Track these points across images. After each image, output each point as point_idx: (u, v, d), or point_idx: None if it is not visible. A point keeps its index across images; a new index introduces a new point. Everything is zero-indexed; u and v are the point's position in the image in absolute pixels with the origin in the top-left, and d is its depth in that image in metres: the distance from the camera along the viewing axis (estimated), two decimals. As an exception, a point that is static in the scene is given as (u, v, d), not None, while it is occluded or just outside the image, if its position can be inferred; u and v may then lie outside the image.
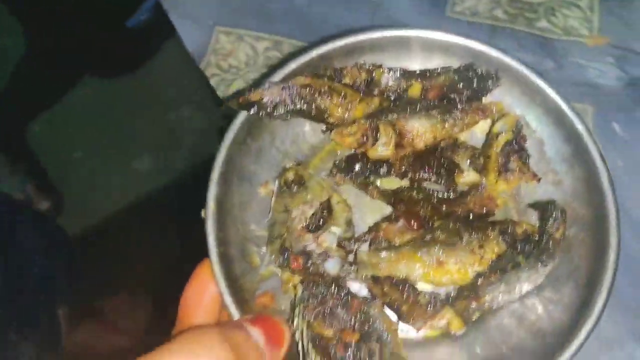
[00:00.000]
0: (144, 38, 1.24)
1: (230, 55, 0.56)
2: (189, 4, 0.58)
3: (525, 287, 0.33)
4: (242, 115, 0.35)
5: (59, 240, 0.78)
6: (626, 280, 0.40)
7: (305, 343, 0.31)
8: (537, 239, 0.33)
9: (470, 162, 0.35)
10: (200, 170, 0.36)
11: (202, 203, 0.34)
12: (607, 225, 0.32)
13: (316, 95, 0.35)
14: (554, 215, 0.33)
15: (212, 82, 0.54)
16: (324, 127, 0.37)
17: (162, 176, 1.18)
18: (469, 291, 0.32)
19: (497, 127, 0.35)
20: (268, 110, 0.34)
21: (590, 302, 0.31)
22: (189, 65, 0.57)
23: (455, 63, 0.37)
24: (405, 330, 0.34)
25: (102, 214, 1.17)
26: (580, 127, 0.34)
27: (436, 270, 0.32)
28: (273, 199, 0.36)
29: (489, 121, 0.36)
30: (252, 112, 0.34)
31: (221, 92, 0.53)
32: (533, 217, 0.35)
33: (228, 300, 0.32)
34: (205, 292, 0.32)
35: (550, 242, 0.33)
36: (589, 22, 0.56)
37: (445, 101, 0.36)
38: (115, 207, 1.17)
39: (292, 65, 0.36)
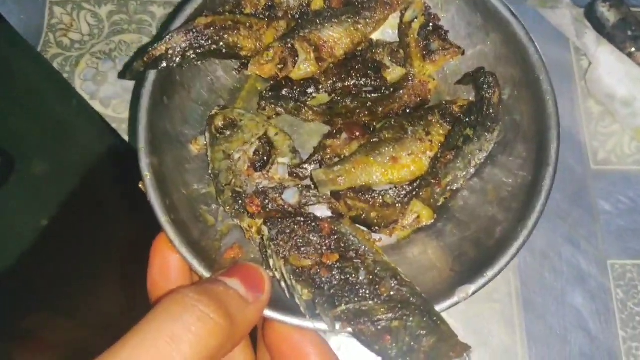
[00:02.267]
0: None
1: (71, 29, 0.50)
2: None
3: (479, 157, 0.34)
4: (151, 75, 0.33)
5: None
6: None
7: (288, 280, 0.30)
8: (477, 107, 0.34)
9: (392, 57, 0.35)
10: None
11: (137, 176, 0.32)
12: (536, 74, 0.33)
13: (222, 32, 0.34)
14: (486, 81, 0.34)
15: (56, 64, 0.48)
16: (236, 66, 0.37)
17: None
18: (429, 178, 0.33)
19: (408, 15, 0.36)
20: (177, 60, 0.33)
21: (543, 150, 0.32)
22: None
23: None
24: (379, 239, 0.35)
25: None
26: None
27: (393, 168, 0.33)
28: (209, 150, 0.34)
29: (397, 15, 0.37)
30: (161, 67, 0.33)
31: (67, 73, 0.48)
32: (464, 94, 0.36)
33: (195, 263, 0.30)
34: (170, 263, 0.31)
35: (491, 107, 0.34)
36: None
37: (349, 3, 0.36)
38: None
39: (188, 10, 0.34)
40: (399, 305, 0.29)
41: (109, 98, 0.47)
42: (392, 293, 0.30)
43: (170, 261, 0.31)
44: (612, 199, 0.45)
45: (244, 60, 0.35)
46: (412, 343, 0.28)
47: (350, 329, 0.29)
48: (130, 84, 0.46)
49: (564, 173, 0.45)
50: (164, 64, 0.33)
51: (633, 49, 0.46)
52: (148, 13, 0.49)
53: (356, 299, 0.29)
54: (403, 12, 0.36)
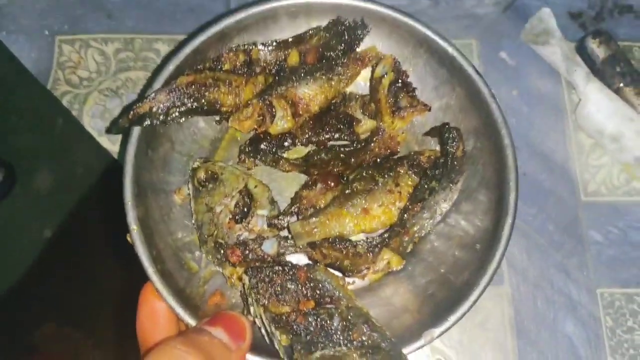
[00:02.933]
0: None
1: (79, 67, 0.52)
2: (18, 16, 0.53)
3: (444, 206, 0.37)
4: (136, 131, 0.35)
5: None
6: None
7: (267, 326, 0.33)
8: (442, 161, 0.37)
9: (363, 111, 0.38)
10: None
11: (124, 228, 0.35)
12: (497, 128, 0.36)
13: (203, 89, 0.36)
14: (450, 136, 0.37)
15: (65, 101, 0.51)
16: (217, 118, 0.39)
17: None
18: (398, 228, 0.36)
19: (378, 71, 0.39)
20: (161, 118, 0.35)
21: (503, 199, 0.35)
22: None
23: (323, 22, 0.39)
24: (352, 282, 0.37)
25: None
26: (449, 48, 0.38)
27: (364, 219, 0.35)
28: (192, 201, 0.37)
29: (369, 68, 0.40)
30: (145, 124, 0.35)
31: (76, 110, 0.50)
32: (432, 144, 0.39)
33: (181, 312, 0.33)
34: (157, 312, 0.33)
35: (455, 161, 0.37)
36: None
37: (324, 60, 0.39)
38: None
39: (170, 67, 0.37)
40: (370, 351, 0.32)
41: (117, 135, 0.49)
42: (363, 338, 0.33)
43: (157, 309, 0.34)
44: (602, 229, 0.48)
45: (224, 115, 0.38)
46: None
47: (324, 375, 0.32)
48: None
49: (556, 204, 0.48)
50: (148, 122, 0.35)
51: (621, 84, 0.49)
52: (153, 50, 0.52)
53: (331, 345, 0.32)
54: (374, 67, 0.39)
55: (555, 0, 0.54)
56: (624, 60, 0.49)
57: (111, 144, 0.49)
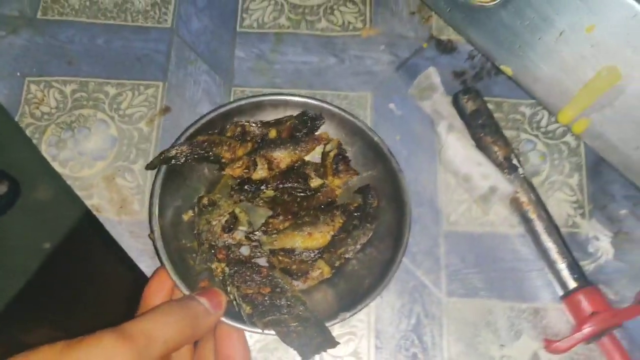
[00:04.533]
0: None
1: (42, 103, 0.65)
2: None
3: (363, 240, 0.58)
4: (164, 168, 0.57)
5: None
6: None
7: (237, 300, 0.53)
8: (363, 209, 0.59)
9: (315, 172, 0.60)
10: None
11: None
12: (403, 197, 0.57)
13: (212, 146, 0.58)
14: (370, 193, 0.59)
15: (28, 131, 0.63)
16: (216, 167, 0.61)
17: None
18: (330, 247, 0.57)
19: (327, 147, 0.60)
20: (181, 160, 0.57)
21: (399, 241, 0.56)
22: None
23: (295, 112, 0.61)
24: (296, 285, 0.58)
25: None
26: (375, 137, 0.59)
27: (309, 240, 0.56)
28: (196, 218, 0.58)
29: (322, 145, 0.62)
30: (170, 163, 0.57)
31: (36, 140, 0.63)
32: (359, 198, 0.61)
33: (181, 287, 0.53)
34: (165, 283, 0.52)
35: (371, 209, 0.58)
36: (362, 16, 0.71)
37: (293, 137, 0.61)
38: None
39: (191, 130, 0.58)
40: (303, 319, 0.53)
41: (67, 160, 0.63)
42: (300, 313, 0.53)
43: (165, 283, 0.53)
44: (459, 254, 0.62)
45: (223, 164, 0.59)
46: (308, 341, 0.52)
47: (273, 331, 0.52)
48: (81, 152, 0.64)
49: (421, 231, 0.62)
50: (173, 162, 0.57)
51: (482, 134, 0.63)
52: (103, 92, 0.66)
53: (277, 314, 0.53)
54: (325, 145, 0.61)
55: (442, 61, 0.68)
56: (486, 114, 0.63)
57: (61, 167, 0.63)
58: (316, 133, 0.61)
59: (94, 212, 0.62)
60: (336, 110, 0.60)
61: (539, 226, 0.61)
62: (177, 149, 0.57)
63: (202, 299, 0.46)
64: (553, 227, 0.61)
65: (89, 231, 1.36)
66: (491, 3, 0.57)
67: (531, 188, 0.62)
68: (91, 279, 1.34)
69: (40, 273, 1.37)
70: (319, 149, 0.61)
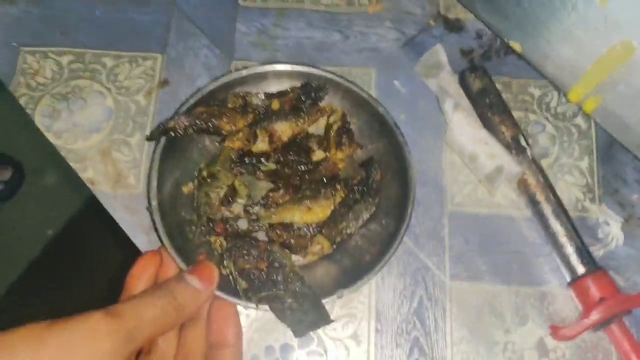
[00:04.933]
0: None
1: (38, 74, 0.65)
2: None
3: (365, 215, 0.57)
4: (163, 139, 0.56)
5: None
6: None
7: (234, 274, 0.52)
8: (365, 182, 0.57)
9: (318, 145, 0.59)
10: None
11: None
12: (408, 171, 0.56)
13: (211, 117, 0.57)
14: (373, 166, 0.58)
15: (22, 101, 0.63)
16: (218, 139, 0.60)
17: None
18: (330, 222, 0.56)
19: (331, 119, 0.59)
20: (180, 132, 0.56)
21: (402, 218, 0.55)
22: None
23: (298, 83, 0.60)
24: (296, 259, 0.57)
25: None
26: (380, 109, 0.58)
27: (308, 214, 0.55)
28: (195, 191, 0.57)
29: (325, 117, 0.61)
30: (169, 135, 0.56)
31: (30, 109, 0.63)
32: (363, 172, 0.60)
33: (178, 261, 0.52)
34: (148, 268, 0.50)
35: (374, 184, 0.57)
36: None
37: (296, 109, 0.60)
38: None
39: (191, 101, 0.57)
40: (299, 296, 0.51)
41: (61, 131, 0.63)
42: (297, 289, 0.52)
43: (147, 267, 0.51)
44: (463, 235, 0.61)
45: (223, 136, 0.58)
46: (302, 317, 0.50)
47: (267, 306, 0.51)
48: (75, 123, 0.63)
49: (425, 212, 0.61)
50: (172, 134, 0.56)
51: (489, 113, 0.62)
52: (100, 63, 0.65)
53: (273, 289, 0.51)
54: (328, 116, 0.60)
55: (450, 39, 0.68)
56: (494, 93, 0.62)
57: (55, 138, 0.63)
58: (320, 104, 0.60)
59: (88, 185, 0.61)
60: (341, 80, 0.59)
61: (547, 209, 0.60)
62: (176, 120, 0.56)
63: (192, 277, 0.46)
64: (561, 211, 0.60)
65: (91, 217, 1.36)
66: (502, -26, 0.56)
67: (539, 170, 0.61)
68: (93, 264, 1.34)
69: (43, 259, 1.38)
70: (322, 121, 0.60)
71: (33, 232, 1.43)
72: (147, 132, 0.63)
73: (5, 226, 1.46)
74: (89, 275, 1.35)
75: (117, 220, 0.60)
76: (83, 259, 1.39)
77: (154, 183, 0.54)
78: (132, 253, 0.57)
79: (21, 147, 1.49)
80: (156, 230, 0.53)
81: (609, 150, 0.65)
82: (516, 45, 0.62)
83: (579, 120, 0.66)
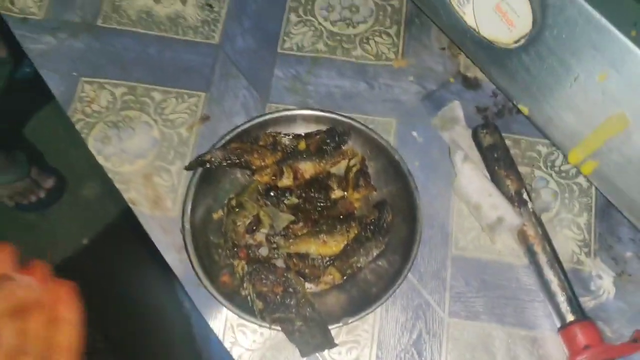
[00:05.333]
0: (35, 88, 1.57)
1: (94, 102, 0.72)
2: (56, 60, 0.75)
3: (375, 252, 0.63)
4: (200, 170, 0.64)
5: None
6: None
7: (252, 296, 0.59)
8: (377, 222, 0.64)
9: (337, 185, 0.66)
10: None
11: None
12: (416, 215, 0.63)
13: (244, 153, 0.64)
14: (386, 209, 0.64)
15: (78, 126, 0.71)
16: (248, 172, 0.67)
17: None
18: (342, 256, 0.63)
19: (351, 162, 0.67)
20: (215, 164, 0.64)
21: (408, 256, 0.61)
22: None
23: (324, 127, 0.68)
24: (309, 287, 0.63)
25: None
26: (396, 156, 0.65)
27: (323, 247, 0.62)
28: (224, 218, 0.64)
29: (346, 160, 0.68)
30: (205, 167, 0.63)
31: (84, 134, 0.71)
32: (376, 212, 0.66)
33: (204, 280, 0.59)
34: None
35: (384, 224, 0.64)
36: (395, 47, 0.77)
37: (320, 150, 0.67)
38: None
39: (227, 137, 0.65)
40: (309, 320, 0.58)
41: (110, 155, 0.70)
42: (307, 314, 0.59)
43: None
44: (464, 277, 0.66)
45: (253, 171, 0.66)
46: (310, 340, 0.57)
47: (279, 327, 0.57)
48: (123, 149, 0.71)
49: (430, 252, 0.67)
50: (208, 165, 0.64)
51: (496, 167, 0.68)
52: (149, 97, 0.73)
53: (286, 312, 0.58)
54: (349, 159, 0.67)
55: (467, 96, 0.74)
56: (502, 149, 0.69)
57: (105, 161, 0.70)
58: (342, 148, 0.67)
59: (130, 205, 0.68)
60: (363, 128, 0.66)
61: (543, 259, 0.66)
62: (212, 154, 0.63)
63: (22, 276, 0.45)
64: (556, 262, 0.66)
65: (124, 231, 1.45)
66: (513, 46, 0.63)
67: (539, 223, 0.67)
68: (122, 274, 1.42)
69: (76, 265, 1.46)
70: (343, 163, 0.67)
71: (69, 239, 1.53)
72: (187, 162, 0.70)
73: (44, 231, 1.55)
74: (117, 284, 1.43)
75: (153, 239, 0.67)
76: (113, 269, 1.47)
77: (189, 208, 0.62)
78: (160, 267, 0.65)
79: (65, 160, 1.59)
80: (187, 250, 0.61)
81: (606, 209, 0.71)
82: (524, 108, 0.69)
83: (581, 179, 0.72)
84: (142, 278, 1.35)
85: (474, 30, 0.66)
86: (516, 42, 0.63)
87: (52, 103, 1.56)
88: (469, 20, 0.66)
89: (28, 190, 1.52)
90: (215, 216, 0.65)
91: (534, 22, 0.60)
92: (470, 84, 0.77)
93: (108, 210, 1.51)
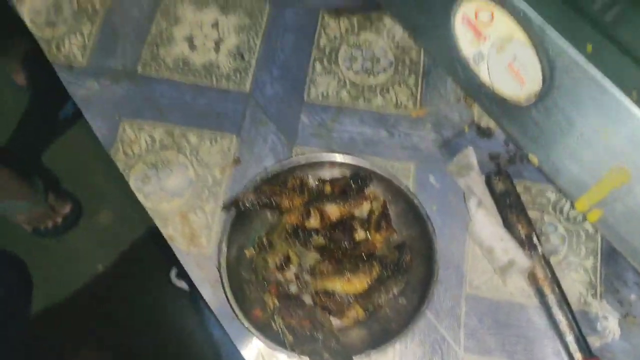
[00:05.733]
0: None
1: (134, 143, 0.78)
2: (99, 104, 0.81)
3: (395, 290, 0.69)
4: (234, 210, 0.70)
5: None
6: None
7: (282, 329, 0.65)
8: (397, 263, 0.70)
9: (361, 227, 0.72)
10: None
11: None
12: (433, 257, 0.68)
13: (273, 195, 0.70)
14: (404, 250, 0.70)
15: (119, 165, 0.77)
16: (278, 213, 0.73)
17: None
18: (365, 294, 0.68)
19: (374, 206, 0.73)
20: (247, 206, 0.70)
21: (426, 294, 0.67)
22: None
23: (348, 172, 0.74)
24: (334, 322, 0.69)
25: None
26: (415, 201, 0.71)
27: (347, 284, 0.68)
28: (255, 255, 0.70)
29: (369, 202, 0.74)
30: (238, 208, 0.69)
31: (125, 173, 0.76)
32: (396, 253, 0.72)
33: (237, 312, 0.65)
34: None
35: (404, 264, 0.70)
36: (413, 97, 0.82)
37: (344, 193, 0.73)
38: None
39: (258, 180, 0.71)
40: (334, 352, 0.63)
41: (150, 194, 0.76)
42: (332, 346, 0.64)
43: None
44: (477, 315, 0.71)
45: (282, 211, 0.72)
46: (335, 371, 0.63)
47: (308, 358, 0.63)
48: (162, 188, 0.77)
49: (445, 292, 0.71)
50: (241, 206, 0.70)
51: (508, 213, 0.73)
52: (186, 139, 0.79)
53: (313, 345, 0.64)
54: (372, 203, 0.73)
55: (481, 144, 0.80)
56: (514, 195, 0.74)
57: (145, 199, 0.76)
58: (365, 192, 0.73)
59: (168, 241, 0.74)
60: (384, 174, 0.72)
61: (552, 301, 0.71)
62: (246, 196, 0.69)
63: None
64: (565, 303, 0.71)
65: (139, 257, 1.51)
66: (524, 102, 0.69)
67: (548, 266, 0.73)
68: (136, 301, 1.47)
69: (91, 290, 1.52)
70: (366, 205, 0.73)
71: (84, 265, 1.58)
72: (220, 201, 0.76)
73: (60, 257, 1.61)
74: (131, 311, 1.48)
75: (189, 273, 0.73)
76: (127, 295, 1.52)
77: (225, 247, 0.68)
78: (184, 295, 0.70)
79: (81, 185, 1.66)
80: (223, 286, 0.66)
81: (612, 253, 0.76)
82: (533, 158, 0.74)
83: (588, 225, 0.77)
84: (165, 305, 1.40)
85: (488, 86, 0.73)
86: (527, 98, 0.69)
87: (69, 131, 1.66)
88: (484, 77, 0.73)
89: (45, 216, 1.57)
90: (247, 253, 0.71)
91: (544, 81, 0.66)
92: (484, 132, 0.83)
93: (122, 238, 1.57)
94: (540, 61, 0.65)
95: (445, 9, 0.73)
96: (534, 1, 0.64)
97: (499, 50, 0.70)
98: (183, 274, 0.88)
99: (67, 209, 1.60)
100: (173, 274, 0.98)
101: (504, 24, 0.68)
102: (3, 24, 1.61)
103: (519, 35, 0.67)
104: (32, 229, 1.58)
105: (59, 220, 1.59)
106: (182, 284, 0.94)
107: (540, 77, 0.66)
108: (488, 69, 0.72)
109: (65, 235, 1.61)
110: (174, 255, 0.74)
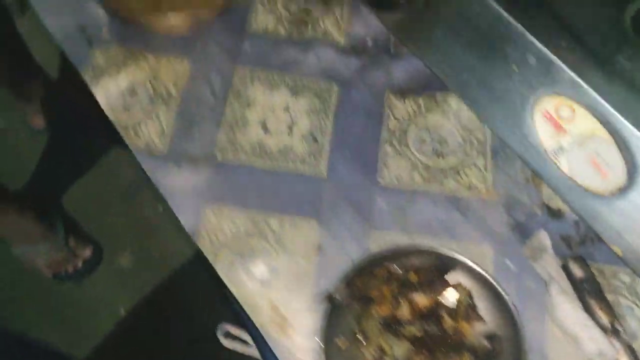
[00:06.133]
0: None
1: (218, 229, 0.81)
2: (182, 190, 0.85)
3: None
4: (329, 305, 0.73)
5: None
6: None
7: None
8: (489, 353, 0.73)
9: (449, 316, 0.75)
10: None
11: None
12: (519, 344, 0.72)
13: (365, 287, 0.74)
14: (495, 339, 0.73)
15: (204, 250, 0.80)
16: (368, 303, 0.76)
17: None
18: (458, 383, 0.71)
19: (461, 295, 0.76)
20: (342, 299, 0.73)
21: None
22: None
23: (431, 259, 0.77)
24: None
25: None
26: (499, 288, 0.74)
27: None
28: (349, 346, 0.73)
29: (454, 290, 0.77)
30: (333, 302, 0.73)
31: (211, 260, 0.79)
32: (485, 342, 0.75)
33: None
34: None
35: (495, 354, 0.72)
36: (484, 179, 0.85)
37: (429, 282, 0.76)
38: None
39: (349, 274, 0.75)
40: None
41: (236, 280, 0.79)
42: None
43: None
44: None
45: (371, 301, 0.75)
46: None
47: None
48: (246, 274, 0.80)
49: None
50: (335, 301, 0.73)
51: (588, 298, 0.76)
52: (268, 225, 0.82)
53: None
54: (458, 292, 0.76)
55: (552, 225, 0.82)
56: (593, 281, 0.76)
57: (232, 285, 0.79)
58: (446, 279, 0.77)
59: (259, 328, 0.77)
60: (467, 261, 0.75)
61: (638, 388, 0.74)
62: (339, 290, 0.73)
63: None
64: (651, 389, 0.74)
65: (160, 301, 1.53)
66: (608, 195, 0.73)
67: (631, 352, 0.75)
68: (160, 345, 1.49)
69: (115, 334, 1.53)
70: (452, 293, 0.76)
71: (107, 309, 1.60)
72: (306, 290, 0.79)
73: (82, 301, 1.63)
74: (155, 355, 1.50)
75: (281, 362, 0.76)
76: (151, 339, 1.54)
77: (321, 340, 0.71)
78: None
79: (101, 228, 1.68)
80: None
81: (692, 336, 0.79)
82: (617, 249, 0.78)
83: (665, 308, 0.80)
84: (178, 347, 1.41)
85: (568, 177, 0.76)
86: (610, 191, 0.73)
87: (88, 172, 1.69)
88: (563, 168, 0.76)
89: (65, 260, 1.58)
90: (341, 345, 0.74)
91: (628, 177, 0.70)
92: (554, 214, 0.86)
93: (143, 281, 1.59)
94: (624, 158, 0.69)
95: (525, 104, 0.77)
96: (617, 103, 0.68)
97: (580, 145, 0.73)
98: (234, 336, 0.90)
99: (87, 253, 1.60)
100: (221, 332, 0.99)
101: (585, 120, 0.72)
102: (22, 69, 1.66)
103: (601, 132, 0.71)
104: (52, 273, 1.58)
105: (80, 264, 1.59)
106: (235, 346, 0.95)
107: (625, 173, 0.70)
108: (568, 162, 0.75)
109: (87, 278, 1.62)
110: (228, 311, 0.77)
